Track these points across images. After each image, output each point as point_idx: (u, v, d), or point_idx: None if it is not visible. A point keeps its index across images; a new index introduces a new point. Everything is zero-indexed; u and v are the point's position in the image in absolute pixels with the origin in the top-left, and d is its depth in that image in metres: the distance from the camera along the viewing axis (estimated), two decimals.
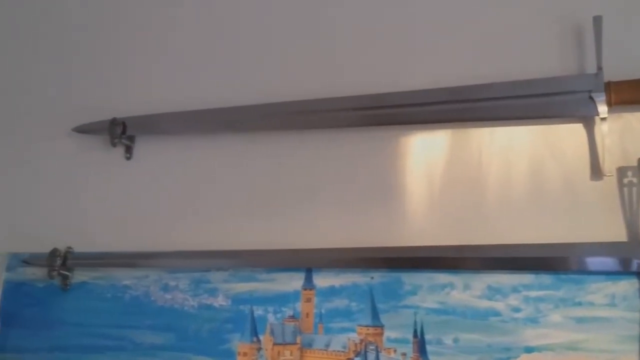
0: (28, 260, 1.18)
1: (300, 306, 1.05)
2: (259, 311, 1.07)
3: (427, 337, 0.98)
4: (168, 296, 1.12)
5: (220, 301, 1.09)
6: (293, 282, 1.06)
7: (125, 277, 1.14)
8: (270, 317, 1.06)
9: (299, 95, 1.11)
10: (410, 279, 1.01)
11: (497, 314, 0.96)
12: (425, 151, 1.06)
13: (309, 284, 1.05)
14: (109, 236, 1.18)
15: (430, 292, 1.00)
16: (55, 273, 1.14)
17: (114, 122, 1.17)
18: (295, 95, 1.11)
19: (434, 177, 1.05)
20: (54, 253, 1.15)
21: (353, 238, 1.04)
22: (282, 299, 1.06)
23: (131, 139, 1.21)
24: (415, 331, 0.99)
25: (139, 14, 1.28)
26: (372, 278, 1.03)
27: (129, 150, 1.21)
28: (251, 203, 1.12)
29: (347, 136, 1.09)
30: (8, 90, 1.32)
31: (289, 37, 1.19)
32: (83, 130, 1.21)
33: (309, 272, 1.06)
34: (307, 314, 1.04)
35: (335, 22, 1.17)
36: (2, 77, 1.33)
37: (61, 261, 1.14)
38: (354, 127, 1.08)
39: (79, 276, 1.17)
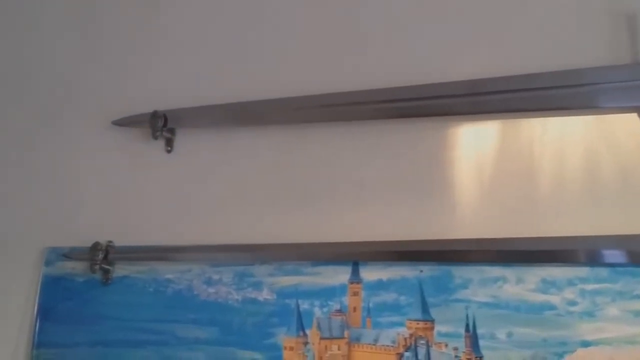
0: (69, 255, 1.17)
1: (347, 300, 1.03)
2: (304, 305, 1.05)
3: (480, 331, 0.96)
4: (211, 290, 1.10)
5: (265, 295, 1.07)
6: (339, 275, 1.04)
7: (167, 271, 1.13)
8: (317, 311, 1.04)
9: (342, 87, 1.09)
10: (460, 272, 0.99)
11: (552, 307, 0.94)
12: (474, 142, 1.04)
13: (355, 277, 1.04)
14: (150, 230, 1.17)
15: (482, 285, 0.98)
16: (97, 267, 1.13)
17: (155, 115, 1.16)
18: (339, 87, 1.09)
19: (484, 168, 1.03)
20: (95, 247, 1.14)
21: (401, 231, 1.03)
22: (329, 293, 1.04)
23: (172, 131, 1.19)
24: (467, 325, 0.97)
25: (179, 5, 1.26)
26: (422, 271, 1.01)
27: (169, 143, 1.20)
28: (295, 196, 1.11)
29: (394, 128, 1.08)
30: (48, 85, 1.31)
31: (329, 29, 1.17)
32: (123, 123, 1.20)
33: (355, 265, 1.04)
34: (355, 308, 1.03)
35: (375, 10, 1.15)
36: (41, 71, 1.32)
37: (103, 255, 1.13)
38: (402, 118, 1.06)
39: (120, 270, 1.16)
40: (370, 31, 1.14)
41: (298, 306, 1.05)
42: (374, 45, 1.12)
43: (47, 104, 1.30)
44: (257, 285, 1.08)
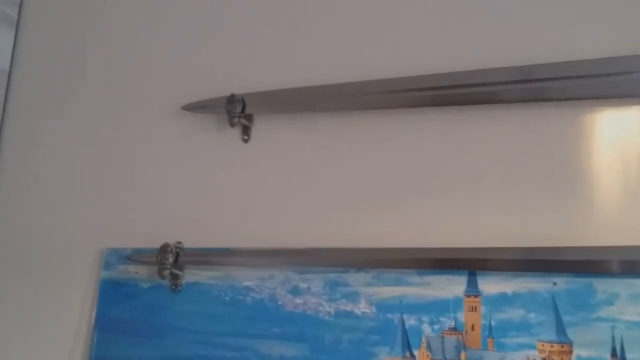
0: (133, 257, 1.03)
1: (463, 316, 0.88)
2: (410, 321, 0.90)
3: (630, 355, 0.80)
4: (298, 300, 0.95)
5: (362, 308, 0.92)
6: (453, 287, 0.89)
7: (246, 277, 0.98)
8: (426, 329, 0.89)
9: (437, 67, 0.94)
10: (604, 285, 0.83)
11: None
12: (617, 131, 0.88)
13: (473, 289, 0.88)
14: (225, 230, 1.03)
15: (631, 302, 0.82)
16: (167, 272, 0.98)
17: (232, 99, 1.01)
18: (433, 67, 0.94)
19: (630, 162, 0.87)
20: (165, 249, 0.99)
21: (528, 235, 0.87)
22: (440, 307, 0.89)
23: (249, 118, 1.05)
24: (613, 349, 0.81)
25: None
26: (555, 284, 0.85)
27: (246, 131, 1.05)
28: (396, 192, 0.96)
29: (514, 113, 0.92)
30: (107, 70, 1.17)
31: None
32: (194, 108, 1.06)
33: (472, 275, 0.88)
34: (473, 326, 0.87)
35: None
36: (100, 55, 1.18)
37: (173, 258, 0.99)
38: (523, 102, 0.90)
39: (191, 276, 1.01)
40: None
41: (403, 322, 0.90)
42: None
43: (107, 91, 1.16)
44: (353, 296, 0.93)
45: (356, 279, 0.93)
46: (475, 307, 0.87)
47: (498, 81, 0.89)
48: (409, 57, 0.99)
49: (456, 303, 0.88)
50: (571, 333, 0.83)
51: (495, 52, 0.94)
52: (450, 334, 0.88)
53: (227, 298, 0.99)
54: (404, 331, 0.89)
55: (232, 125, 1.01)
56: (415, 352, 0.88)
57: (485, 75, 0.90)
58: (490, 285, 0.87)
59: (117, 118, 1.13)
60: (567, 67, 0.87)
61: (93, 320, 1.05)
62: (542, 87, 0.88)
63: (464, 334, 0.87)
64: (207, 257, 1.01)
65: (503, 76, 0.90)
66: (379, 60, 1.01)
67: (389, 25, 1.03)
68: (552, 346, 0.83)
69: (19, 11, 1.24)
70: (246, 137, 1.05)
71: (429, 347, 0.88)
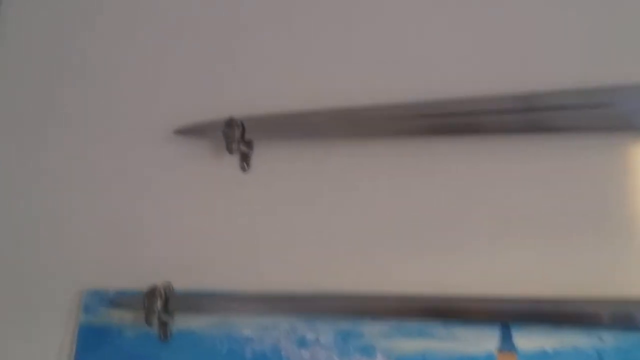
0: (116, 301, 0.91)
1: None
2: None
3: None
4: (305, 353, 0.84)
5: None
6: (483, 341, 0.78)
7: (245, 325, 0.87)
8: None
9: (460, 91, 0.84)
10: None
11: None
12: None
13: (507, 345, 0.77)
14: (222, 271, 0.91)
15: None
16: (155, 318, 0.86)
17: (231, 123, 0.90)
18: (456, 91, 0.84)
19: None
20: (153, 292, 0.87)
21: (569, 284, 0.77)
22: None
23: (249, 144, 0.93)
24: None
25: None
26: (602, 340, 0.75)
27: (245, 158, 0.94)
28: (418, 231, 0.85)
29: (554, 144, 0.81)
30: (92, 85, 1.05)
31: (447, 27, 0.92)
32: (188, 132, 0.95)
33: (505, 328, 0.78)
34: None
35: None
36: (87, 70, 1.06)
37: (162, 302, 0.87)
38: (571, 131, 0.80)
39: (182, 323, 0.90)
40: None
41: None
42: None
43: (89, 112, 1.03)
44: (368, 350, 0.82)
45: (372, 330, 0.82)
46: None
47: (539, 107, 0.79)
48: (424, 80, 0.89)
49: None
50: None
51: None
52: None
53: (223, 349, 0.87)
54: None
55: (231, 152, 0.90)
56: None
57: (536, 100, 0.79)
58: (528, 340, 0.77)
59: (98, 142, 1.01)
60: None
61: None
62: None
63: None
64: (201, 301, 0.89)
65: (540, 102, 0.80)
66: (394, 83, 0.90)
67: (403, 46, 0.92)
68: None
69: None
70: (245, 166, 0.94)
71: None
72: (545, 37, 0.86)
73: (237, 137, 0.90)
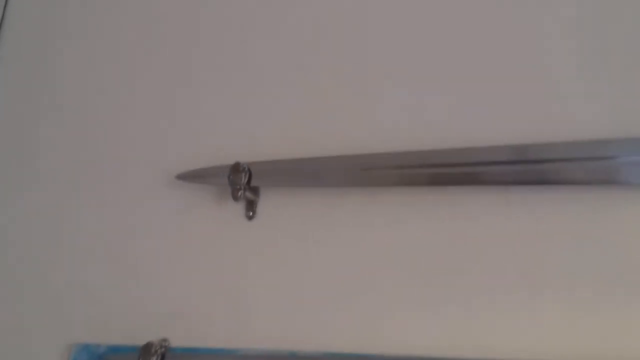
0: (109, 357, 0.85)
1: None
2: None
3: None
4: None
5: None
6: None
7: None
8: None
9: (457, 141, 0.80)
10: None
11: None
12: None
13: None
14: (222, 326, 0.85)
15: None
16: None
17: (237, 168, 0.85)
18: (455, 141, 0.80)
19: None
20: (148, 348, 0.81)
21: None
22: None
23: (255, 191, 0.89)
24: None
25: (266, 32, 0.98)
26: None
27: (251, 206, 0.89)
28: (433, 287, 0.79)
29: (558, 197, 0.77)
30: (87, 123, 1.00)
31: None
32: (192, 177, 0.90)
33: None
34: None
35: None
36: (82, 106, 1.02)
37: None
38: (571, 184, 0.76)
39: None
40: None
41: None
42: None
43: (83, 153, 0.99)
44: None
45: None
46: None
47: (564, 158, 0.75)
48: (434, 130, 0.85)
49: None
50: None
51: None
52: None
53: None
54: None
55: (236, 199, 0.85)
56: None
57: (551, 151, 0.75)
58: None
59: (95, 186, 0.96)
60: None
61: None
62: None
63: None
64: (199, 359, 0.82)
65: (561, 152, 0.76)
66: (405, 131, 0.86)
67: (406, 94, 0.89)
68: None
69: None
70: (251, 214, 0.89)
71: None
72: (545, 87, 0.82)
73: (243, 183, 0.85)
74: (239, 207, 0.89)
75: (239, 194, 0.85)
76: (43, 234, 0.96)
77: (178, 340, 0.84)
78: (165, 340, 0.84)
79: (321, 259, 0.84)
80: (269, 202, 0.89)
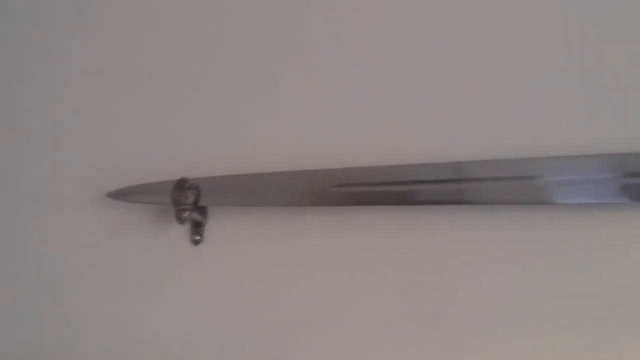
0: None
1: None
2: None
3: None
4: None
5: None
6: None
7: None
8: None
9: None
10: None
11: None
12: None
13: None
14: None
15: None
16: None
17: (183, 185, 0.73)
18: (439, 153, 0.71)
19: None
20: None
21: None
22: None
23: (203, 212, 0.76)
24: None
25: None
26: None
27: (198, 229, 0.76)
28: (405, 319, 0.70)
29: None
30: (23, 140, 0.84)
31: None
32: (125, 195, 0.76)
33: None
34: None
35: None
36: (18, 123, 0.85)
37: None
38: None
39: None
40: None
41: None
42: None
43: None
44: None
45: None
46: None
47: None
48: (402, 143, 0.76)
49: None
50: None
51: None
52: None
53: None
54: None
55: (181, 221, 0.72)
56: None
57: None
58: None
59: (17, 206, 0.80)
60: None
61: None
62: None
63: None
64: None
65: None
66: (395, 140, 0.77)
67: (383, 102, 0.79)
68: None
69: None
70: (198, 238, 0.76)
71: None
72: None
73: (190, 203, 0.72)
74: (184, 231, 0.76)
75: (185, 215, 0.72)
76: None
77: None
78: None
79: (280, 292, 0.73)
80: (219, 224, 0.77)
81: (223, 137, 0.79)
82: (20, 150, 0.82)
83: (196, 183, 0.73)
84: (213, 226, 0.77)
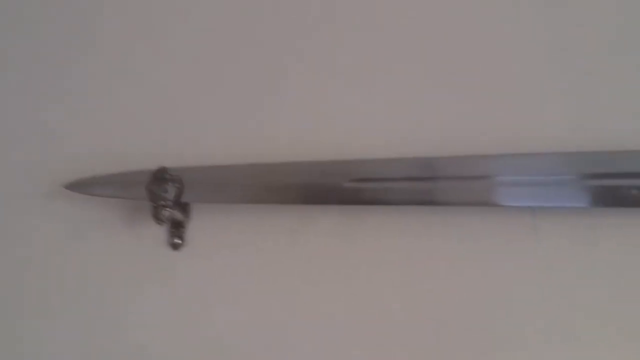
0: None
1: None
2: None
3: None
4: None
5: None
6: None
7: None
8: None
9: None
10: None
11: None
12: None
13: None
14: None
15: None
16: None
17: (162, 176, 0.59)
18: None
19: None
20: None
21: None
22: None
23: (185, 209, 0.63)
24: None
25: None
26: None
27: (178, 231, 0.63)
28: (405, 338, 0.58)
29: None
30: None
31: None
32: (88, 187, 0.62)
33: None
34: None
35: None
36: None
37: None
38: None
39: None
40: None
41: None
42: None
43: None
44: None
45: None
46: None
47: None
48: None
49: None
50: None
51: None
52: None
53: None
54: None
55: (159, 220, 0.59)
56: None
57: None
58: None
59: None
60: None
61: None
62: None
63: None
64: None
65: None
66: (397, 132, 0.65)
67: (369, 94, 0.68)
68: None
69: None
70: (178, 241, 0.63)
71: None
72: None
73: (170, 198, 0.59)
74: (161, 232, 0.63)
75: (164, 213, 0.59)
76: None
77: None
78: None
79: (272, 304, 0.61)
80: (203, 225, 0.64)
81: (209, 117, 0.66)
82: None
83: (178, 174, 0.60)
84: (196, 228, 0.64)
